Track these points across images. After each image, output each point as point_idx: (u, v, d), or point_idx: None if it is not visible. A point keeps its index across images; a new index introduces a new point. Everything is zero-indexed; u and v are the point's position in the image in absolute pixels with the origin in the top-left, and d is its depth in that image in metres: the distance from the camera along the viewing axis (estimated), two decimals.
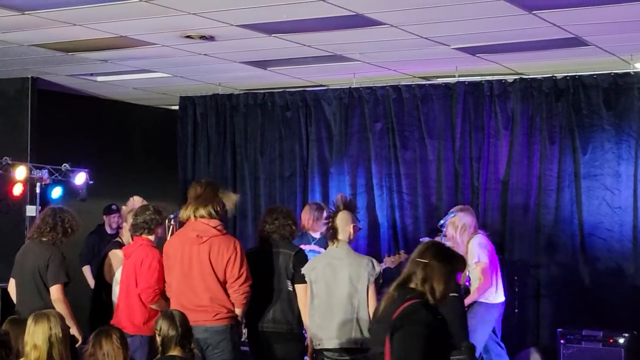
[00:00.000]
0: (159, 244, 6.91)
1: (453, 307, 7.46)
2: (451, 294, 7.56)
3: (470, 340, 7.78)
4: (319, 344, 6.27)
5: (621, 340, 8.89)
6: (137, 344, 6.59)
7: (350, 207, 6.38)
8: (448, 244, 8.03)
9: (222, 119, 11.95)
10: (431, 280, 4.42)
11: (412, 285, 4.46)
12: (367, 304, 6.17)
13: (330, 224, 6.31)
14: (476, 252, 8.04)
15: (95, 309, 7.49)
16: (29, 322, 5.08)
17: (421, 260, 4.47)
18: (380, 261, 9.52)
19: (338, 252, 6.29)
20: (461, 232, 8.08)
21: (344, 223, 6.29)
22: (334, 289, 6.21)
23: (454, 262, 4.58)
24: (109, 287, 7.29)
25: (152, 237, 6.88)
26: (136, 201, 7.40)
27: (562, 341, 8.96)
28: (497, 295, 8.17)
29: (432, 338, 4.29)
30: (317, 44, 9.07)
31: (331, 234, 6.31)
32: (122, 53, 9.59)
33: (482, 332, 8.08)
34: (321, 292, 6.27)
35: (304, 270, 6.41)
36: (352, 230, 6.36)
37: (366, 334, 6.14)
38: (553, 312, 9.77)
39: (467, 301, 7.85)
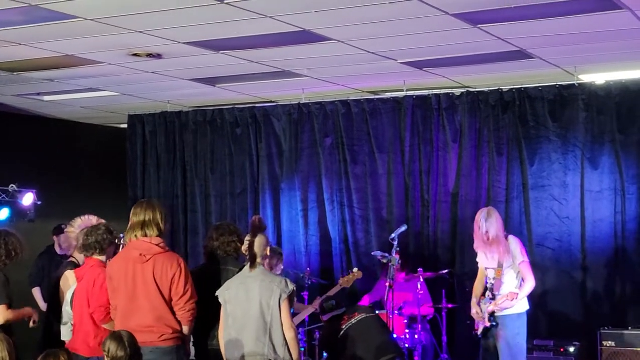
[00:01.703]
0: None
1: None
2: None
3: (519, 356, 7.82)
4: None
5: (572, 349, 9.01)
6: None
7: (262, 228, 6.41)
8: (489, 247, 7.84)
9: (171, 136, 11.89)
10: None
11: None
12: (281, 322, 6.18)
13: (249, 251, 6.30)
14: (519, 251, 7.88)
15: (47, 330, 7.39)
16: None
17: None
18: (335, 283, 9.42)
19: (252, 272, 6.29)
20: (501, 231, 7.88)
21: (261, 249, 6.32)
22: (247, 306, 6.21)
23: None
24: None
25: (103, 258, 6.83)
26: (84, 220, 7.31)
27: None
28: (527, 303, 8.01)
29: None
30: (265, 61, 9.07)
31: (251, 260, 6.30)
32: (68, 72, 9.52)
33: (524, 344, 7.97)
34: (235, 310, 6.26)
35: (218, 292, 6.37)
36: (267, 253, 6.44)
37: (280, 351, 6.15)
38: None
39: (520, 297, 7.74)
